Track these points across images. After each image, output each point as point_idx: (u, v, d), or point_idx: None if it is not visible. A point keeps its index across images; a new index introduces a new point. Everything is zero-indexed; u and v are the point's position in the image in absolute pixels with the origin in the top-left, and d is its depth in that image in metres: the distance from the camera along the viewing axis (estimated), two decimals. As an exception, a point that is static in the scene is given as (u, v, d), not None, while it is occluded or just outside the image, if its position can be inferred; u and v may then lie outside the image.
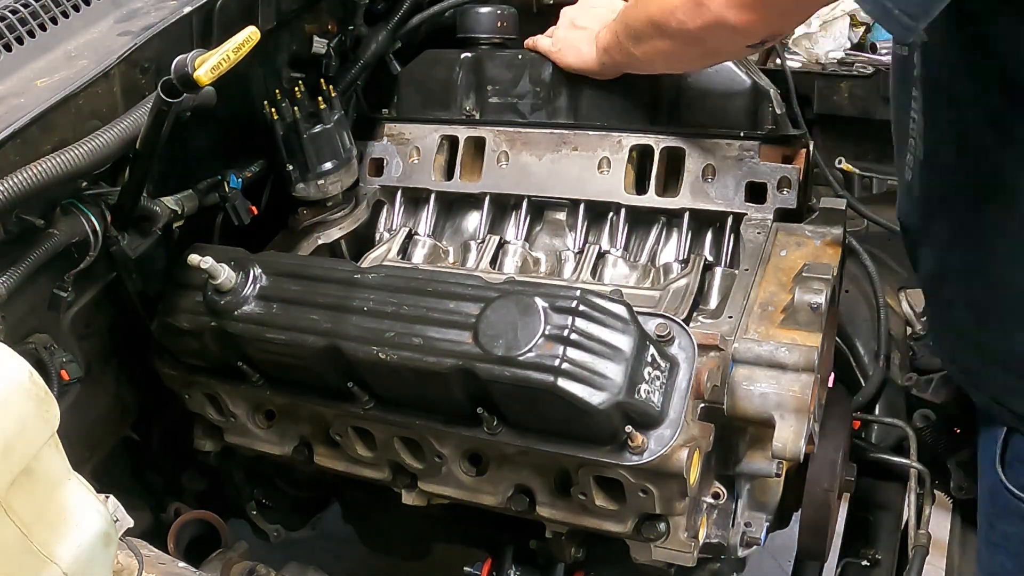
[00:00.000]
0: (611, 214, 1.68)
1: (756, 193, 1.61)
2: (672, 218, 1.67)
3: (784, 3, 1.22)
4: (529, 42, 1.75)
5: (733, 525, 1.49)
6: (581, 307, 1.22)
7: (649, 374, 1.23)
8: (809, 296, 1.36)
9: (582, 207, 1.69)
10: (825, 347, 1.48)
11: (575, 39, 1.66)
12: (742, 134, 1.62)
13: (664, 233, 1.68)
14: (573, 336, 1.20)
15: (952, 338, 1.41)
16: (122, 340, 1.55)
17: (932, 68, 1.21)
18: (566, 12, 1.71)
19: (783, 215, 1.60)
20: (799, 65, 2.38)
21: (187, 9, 1.42)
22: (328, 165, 1.65)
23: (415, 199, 1.80)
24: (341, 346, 1.32)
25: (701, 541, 1.42)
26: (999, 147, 1.16)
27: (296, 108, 1.61)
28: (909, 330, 2.13)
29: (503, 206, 1.75)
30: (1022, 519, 1.25)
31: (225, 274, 1.37)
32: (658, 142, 1.66)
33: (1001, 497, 1.27)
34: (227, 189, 1.57)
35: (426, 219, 1.77)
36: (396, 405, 1.39)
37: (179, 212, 1.49)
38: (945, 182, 1.27)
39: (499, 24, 1.83)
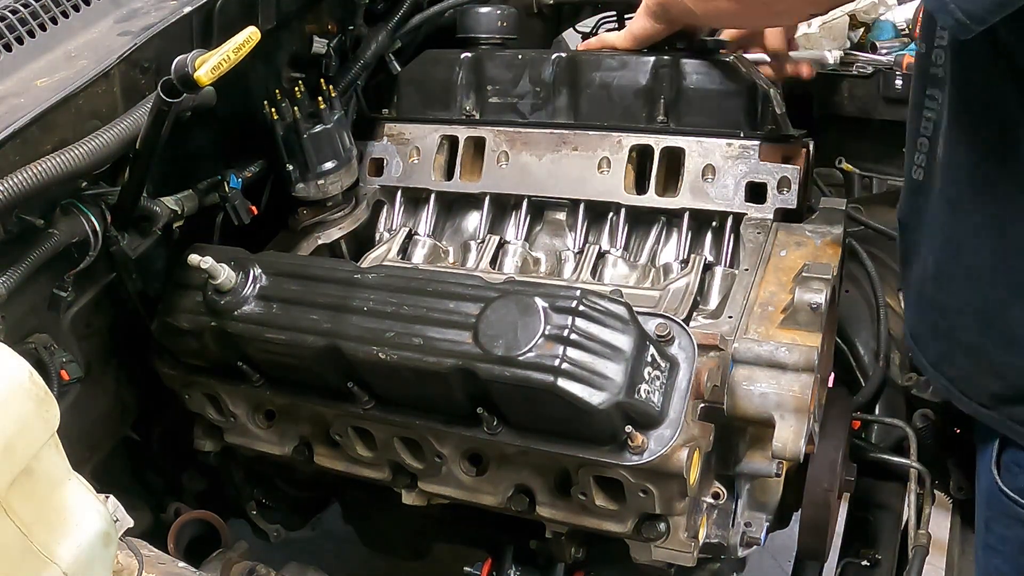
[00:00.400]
0: (611, 214, 1.68)
1: (756, 193, 1.61)
2: (672, 218, 1.67)
3: None
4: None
5: (733, 525, 1.49)
6: (581, 307, 1.22)
7: (649, 374, 1.23)
8: (809, 296, 1.36)
9: (582, 207, 1.69)
10: (825, 347, 1.48)
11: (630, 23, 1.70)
12: (742, 134, 1.62)
13: (664, 233, 1.68)
14: (573, 336, 1.20)
15: (943, 344, 1.35)
16: (122, 340, 1.55)
17: (959, 67, 1.20)
18: None
19: (783, 215, 1.60)
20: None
21: (187, 9, 1.42)
22: (328, 165, 1.65)
23: (415, 199, 1.80)
24: (341, 346, 1.32)
25: (701, 541, 1.42)
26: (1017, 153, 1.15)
27: (296, 108, 1.61)
28: (909, 330, 2.12)
29: (503, 206, 1.75)
30: (1017, 522, 1.25)
31: (225, 274, 1.37)
32: (658, 142, 1.66)
33: (996, 500, 1.27)
34: (227, 189, 1.56)
35: (426, 219, 1.77)
36: (396, 405, 1.39)
37: (179, 212, 1.49)
38: (962, 182, 1.25)
39: (499, 24, 1.84)
